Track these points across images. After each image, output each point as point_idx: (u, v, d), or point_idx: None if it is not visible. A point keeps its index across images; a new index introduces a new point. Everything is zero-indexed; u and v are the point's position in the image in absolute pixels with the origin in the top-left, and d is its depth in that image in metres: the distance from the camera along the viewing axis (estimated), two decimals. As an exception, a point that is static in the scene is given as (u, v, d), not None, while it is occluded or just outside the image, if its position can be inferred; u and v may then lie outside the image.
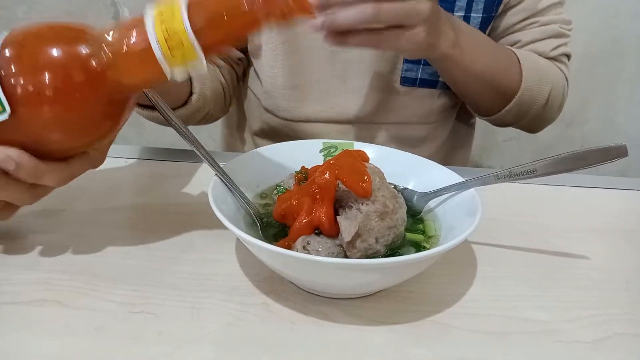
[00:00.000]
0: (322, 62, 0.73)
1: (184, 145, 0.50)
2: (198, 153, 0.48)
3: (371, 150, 0.54)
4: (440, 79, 0.74)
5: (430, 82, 0.74)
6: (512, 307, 0.43)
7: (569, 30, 0.76)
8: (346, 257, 0.41)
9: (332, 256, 0.41)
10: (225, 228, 0.39)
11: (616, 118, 1.67)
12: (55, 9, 1.58)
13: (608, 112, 1.66)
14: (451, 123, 0.83)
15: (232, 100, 0.82)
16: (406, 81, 0.73)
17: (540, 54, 0.74)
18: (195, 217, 0.52)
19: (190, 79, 0.68)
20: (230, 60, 0.80)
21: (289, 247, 0.42)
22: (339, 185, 0.41)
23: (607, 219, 0.59)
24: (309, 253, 0.40)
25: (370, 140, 0.69)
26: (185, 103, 0.68)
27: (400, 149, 0.55)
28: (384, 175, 0.44)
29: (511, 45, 0.74)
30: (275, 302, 0.42)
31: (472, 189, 0.47)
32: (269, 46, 0.73)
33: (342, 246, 0.41)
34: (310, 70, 0.74)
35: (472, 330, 0.40)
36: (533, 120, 0.75)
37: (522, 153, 1.68)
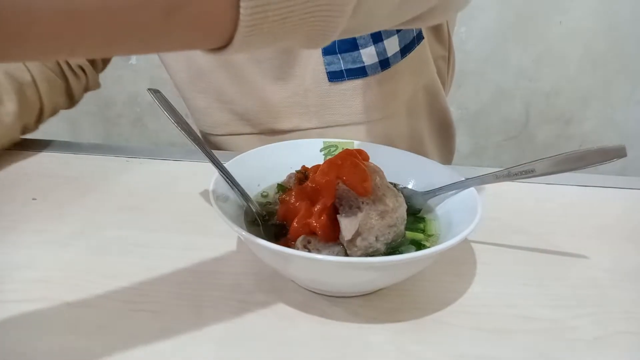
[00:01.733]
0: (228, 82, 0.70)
1: (184, 143, 0.50)
2: (202, 151, 0.48)
3: (371, 149, 0.54)
4: (366, 64, 0.67)
5: (358, 71, 0.67)
6: (512, 305, 0.44)
7: None
8: (347, 255, 0.41)
9: (332, 255, 0.41)
10: (227, 227, 0.39)
11: (615, 117, 1.68)
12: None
13: (607, 111, 1.66)
14: (419, 113, 0.77)
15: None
16: (334, 76, 0.68)
17: None
18: (197, 215, 0.53)
19: None
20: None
21: (289, 246, 0.42)
22: (340, 184, 0.41)
23: (606, 217, 0.59)
24: (309, 252, 0.40)
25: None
26: None
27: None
28: (384, 174, 0.44)
29: None
30: (277, 300, 0.42)
31: (471, 188, 0.47)
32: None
33: (342, 245, 0.41)
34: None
35: (472, 328, 0.41)
36: None
37: (521, 152, 1.69)
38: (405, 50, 0.69)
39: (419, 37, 0.71)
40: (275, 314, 0.41)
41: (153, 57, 0.67)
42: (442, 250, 0.38)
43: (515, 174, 0.46)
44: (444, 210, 0.48)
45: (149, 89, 0.49)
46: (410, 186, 0.52)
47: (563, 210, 0.60)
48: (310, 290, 0.43)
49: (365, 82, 0.68)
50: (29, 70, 0.64)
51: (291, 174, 0.50)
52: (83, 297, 0.41)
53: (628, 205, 0.63)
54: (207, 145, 0.49)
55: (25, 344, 0.37)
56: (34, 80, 0.64)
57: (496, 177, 0.47)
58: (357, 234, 0.40)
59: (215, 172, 0.46)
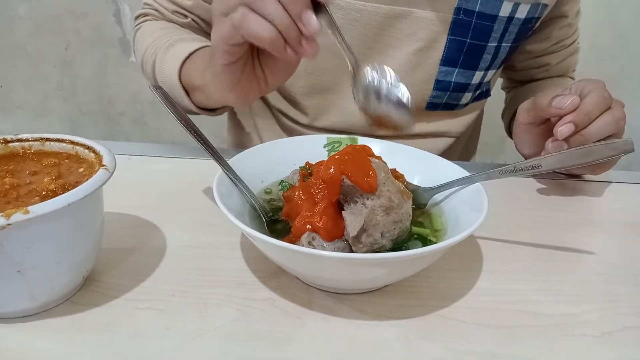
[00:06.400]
0: (346, 84, 0.72)
1: (186, 141, 0.50)
2: (205, 148, 0.48)
3: (376, 145, 0.54)
4: (460, 102, 0.75)
5: (451, 106, 0.76)
6: (520, 300, 0.43)
7: (579, 42, 0.83)
8: (352, 251, 0.41)
9: (337, 251, 0.40)
10: (231, 223, 0.39)
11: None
12: (57, 6, 1.58)
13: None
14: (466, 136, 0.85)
15: None
16: (431, 106, 0.74)
17: (563, 73, 0.82)
18: (200, 213, 0.52)
19: None
20: None
21: (294, 242, 0.41)
22: (344, 180, 0.41)
23: (613, 212, 0.59)
24: (314, 248, 0.40)
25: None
26: None
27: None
28: (389, 169, 0.44)
29: (540, 67, 0.82)
30: (281, 298, 0.42)
31: (477, 184, 0.46)
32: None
33: (347, 241, 0.41)
34: (332, 90, 0.73)
35: (479, 324, 0.40)
36: None
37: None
38: (477, 98, 0.79)
39: (487, 93, 0.81)
40: (281, 311, 0.41)
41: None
42: (448, 246, 0.37)
43: (521, 170, 0.46)
44: (450, 205, 0.48)
45: (151, 86, 0.49)
46: (415, 182, 0.52)
47: (569, 205, 0.59)
48: (316, 287, 0.43)
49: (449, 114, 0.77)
50: None
51: (295, 170, 0.50)
52: (87, 296, 0.41)
53: (635, 200, 0.62)
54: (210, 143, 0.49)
55: (30, 343, 0.37)
56: None
57: (502, 173, 0.47)
58: (362, 230, 0.40)
59: (218, 169, 0.46)
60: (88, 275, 0.42)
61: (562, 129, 0.52)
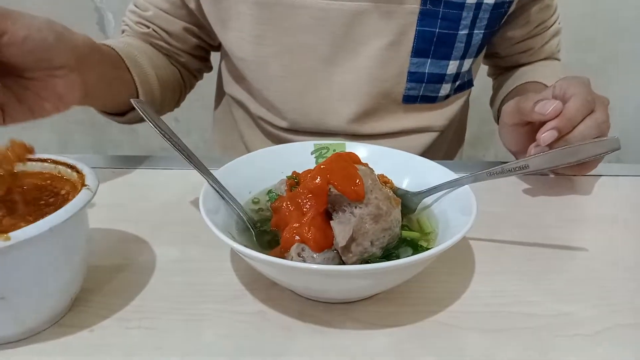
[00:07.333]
0: (321, 84, 0.72)
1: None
2: (189, 162, 0.47)
3: (363, 150, 0.54)
4: (439, 94, 0.75)
5: (430, 98, 0.75)
6: (512, 302, 0.43)
7: (560, 22, 0.83)
8: (342, 261, 0.41)
9: (327, 261, 0.40)
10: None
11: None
12: (39, 13, 1.56)
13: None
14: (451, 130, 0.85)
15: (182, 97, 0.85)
16: (408, 99, 0.74)
17: (549, 55, 0.82)
18: (188, 225, 0.52)
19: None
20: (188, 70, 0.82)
21: (283, 254, 0.41)
22: (331, 190, 0.40)
23: (604, 207, 0.59)
24: (304, 260, 0.39)
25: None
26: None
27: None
28: (376, 176, 0.44)
29: (525, 52, 0.82)
30: (272, 310, 0.41)
31: (466, 186, 0.46)
32: (265, 67, 0.72)
33: (337, 251, 0.40)
34: (308, 93, 0.73)
35: (473, 329, 0.40)
36: None
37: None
38: (458, 89, 0.78)
39: (469, 83, 0.81)
40: (273, 324, 0.40)
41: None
42: (438, 253, 0.37)
43: (509, 170, 0.46)
44: (440, 208, 0.48)
45: (133, 100, 0.48)
46: (404, 185, 0.52)
47: (559, 201, 0.59)
48: (307, 298, 0.42)
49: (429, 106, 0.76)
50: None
51: (282, 180, 0.49)
52: (76, 316, 0.40)
53: (625, 193, 0.62)
54: (195, 156, 0.49)
55: (18, 369, 0.36)
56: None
57: (489, 175, 0.46)
58: (352, 239, 0.39)
59: (204, 182, 0.46)
60: (76, 296, 0.41)
61: (545, 135, 0.52)
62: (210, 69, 0.86)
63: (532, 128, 0.57)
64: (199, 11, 0.72)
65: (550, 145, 0.53)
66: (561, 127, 0.52)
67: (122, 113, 0.70)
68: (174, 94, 0.80)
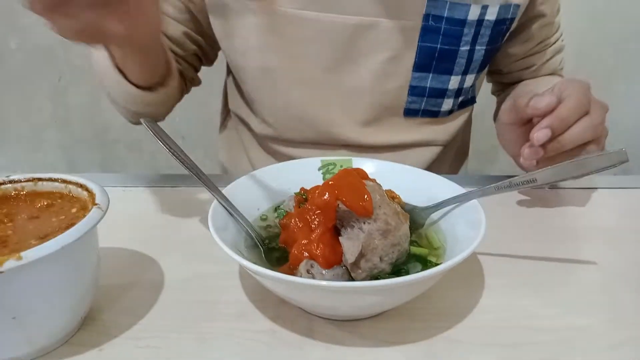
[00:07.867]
0: (324, 93, 0.73)
1: (183, 168, 0.49)
2: (198, 179, 0.48)
3: (370, 165, 0.54)
4: (441, 109, 0.75)
5: (432, 112, 0.75)
6: (522, 316, 0.43)
7: (563, 39, 0.83)
8: (351, 277, 0.40)
9: (336, 278, 0.40)
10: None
11: (613, 115, 1.67)
12: (48, 37, 1.59)
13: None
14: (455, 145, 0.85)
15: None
16: (409, 112, 0.74)
17: (551, 72, 0.82)
18: (197, 243, 0.52)
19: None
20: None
21: (292, 271, 0.41)
22: (339, 206, 0.40)
23: (612, 219, 0.58)
24: (313, 276, 0.39)
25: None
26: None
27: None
28: (384, 191, 0.44)
29: (527, 69, 0.82)
30: (282, 328, 0.41)
31: (474, 200, 0.46)
32: (268, 74, 0.73)
33: (346, 267, 0.40)
34: (311, 101, 0.74)
35: (485, 344, 0.40)
36: None
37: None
38: (461, 105, 0.79)
39: (472, 100, 0.81)
40: (282, 342, 0.40)
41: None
42: (448, 269, 0.37)
43: (517, 184, 0.45)
44: (448, 223, 0.48)
45: (143, 120, 0.49)
46: (412, 201, 0.52)
47: (568, 214, 0.59)
48: (317, 315, 0.42)
49: (431, 120, 0.76)
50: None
51: (290, 196, 0.50)
52: (85, 335, 0.40)
53: (632, 205, 0.62)
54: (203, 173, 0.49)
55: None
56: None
57: (497, 189, 0.46)
58: (361, 255, 0.39)
59: (213, 200, 0.46)
60: (86, 315, 0.41)
61: (538, 134, 0.52)
62: (198, 82, 0.85)
63: (530, 129, 0.57)
64: (203, 17, 0.73)
65: (544, 147, 0.53)
66: (554, 127, 0.52)
67: (147, 88, 0.68)
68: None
